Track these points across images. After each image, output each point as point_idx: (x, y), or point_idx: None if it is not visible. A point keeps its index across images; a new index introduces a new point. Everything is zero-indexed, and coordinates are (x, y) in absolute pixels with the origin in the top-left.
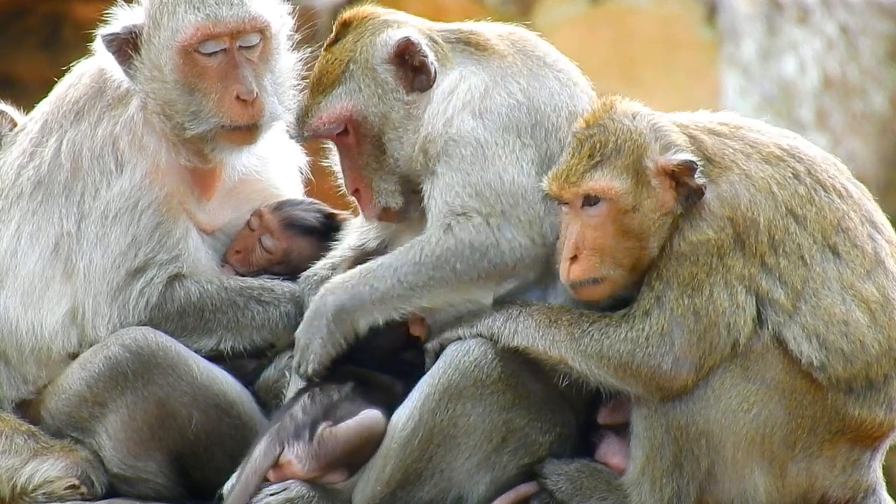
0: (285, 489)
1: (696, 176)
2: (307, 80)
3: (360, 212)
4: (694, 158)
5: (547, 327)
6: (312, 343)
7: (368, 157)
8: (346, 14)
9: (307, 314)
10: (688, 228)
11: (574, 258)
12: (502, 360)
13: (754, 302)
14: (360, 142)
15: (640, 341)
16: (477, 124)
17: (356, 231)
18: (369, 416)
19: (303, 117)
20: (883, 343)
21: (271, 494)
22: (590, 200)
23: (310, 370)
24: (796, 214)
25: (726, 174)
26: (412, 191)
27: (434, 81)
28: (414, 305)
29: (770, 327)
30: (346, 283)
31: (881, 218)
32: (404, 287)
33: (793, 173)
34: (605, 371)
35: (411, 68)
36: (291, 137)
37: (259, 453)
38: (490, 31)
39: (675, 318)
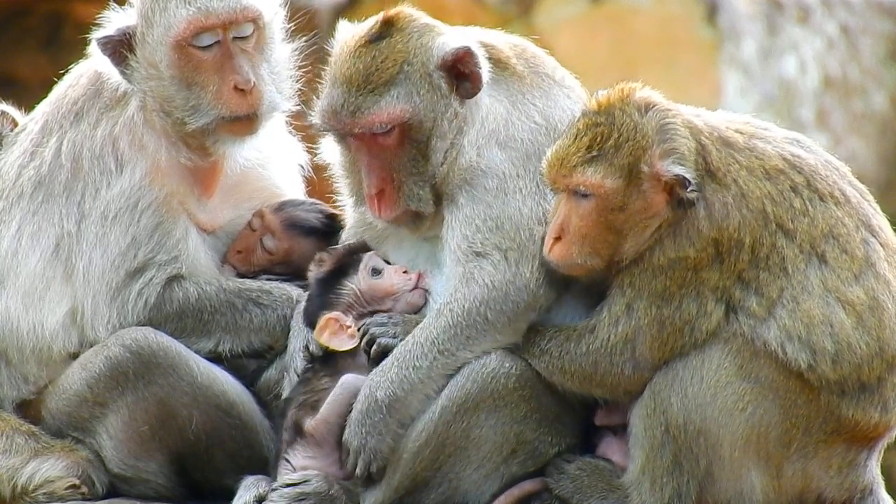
0: (305, 481)
1: (688, 190)
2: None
3: (375, 211)
4: (689, 175)
5: None
6: (369, 442)
7: (408, 161)
8: (390, 13)
9: (354, 416)
10: (669, 244)
11: (558, 238)
12: (518, 372)
13: (723, 308)
14: (404, 144)
15: (602, 352)
16: (504, 157)
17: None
18: (342, 383)
19: (351, 112)
20: (872, 344)
21: (288, 485)
22: (580, 192)
23: (374, 469)
24: (786, 229)
25: (723, 192)
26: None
27: (479, 90)
28: (459, 366)
29: (743, 330)
30: (388, 373)
31: (879, 221)
32: (446, 356)
33: (791, 186)
34: (567, 383)
35: (457, 75)
36: (325, 131)
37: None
38: (504, 44)
39: (640, 326)
